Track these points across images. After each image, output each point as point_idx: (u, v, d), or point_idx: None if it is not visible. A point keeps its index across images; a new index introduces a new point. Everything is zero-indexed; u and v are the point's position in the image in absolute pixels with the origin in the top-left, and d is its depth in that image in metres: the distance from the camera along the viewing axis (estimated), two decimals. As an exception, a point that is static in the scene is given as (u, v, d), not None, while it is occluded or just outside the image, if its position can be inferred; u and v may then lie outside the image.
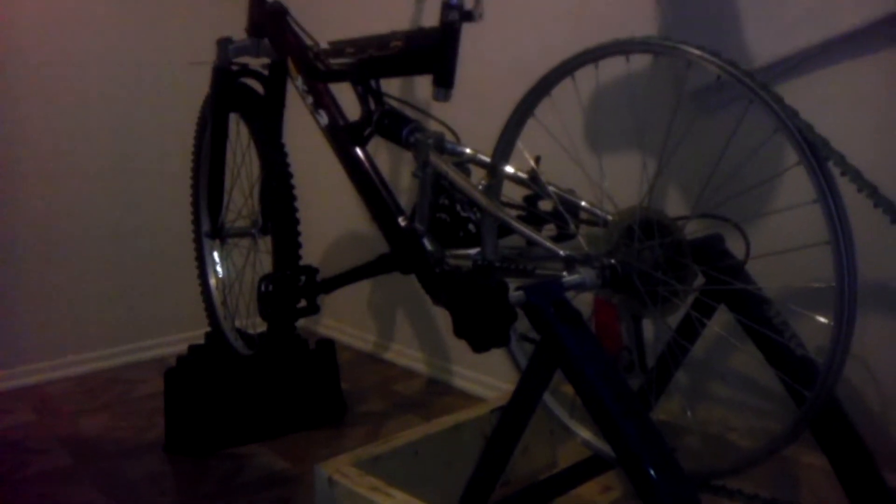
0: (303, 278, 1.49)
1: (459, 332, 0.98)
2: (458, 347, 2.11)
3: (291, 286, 1.46)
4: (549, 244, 1.08)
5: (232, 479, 1.67)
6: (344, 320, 2.56)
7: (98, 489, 1.64)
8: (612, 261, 1.05)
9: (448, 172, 1.25)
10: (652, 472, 0.86)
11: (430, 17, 1.78)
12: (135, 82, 2.34)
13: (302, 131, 1.76)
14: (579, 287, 1.00)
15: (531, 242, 1.14)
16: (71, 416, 2.06)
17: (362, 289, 2.42)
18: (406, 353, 2.31)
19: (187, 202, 1.99)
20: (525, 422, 1.02)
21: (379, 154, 1.62)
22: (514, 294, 0.91)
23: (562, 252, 1.07)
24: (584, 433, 1.24)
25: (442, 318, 2.14)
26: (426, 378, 2.20)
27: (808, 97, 1.25)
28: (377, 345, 2.42)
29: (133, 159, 2.38)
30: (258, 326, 2.08)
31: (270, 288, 1.43)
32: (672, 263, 1.06)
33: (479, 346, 0.96)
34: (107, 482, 1.68)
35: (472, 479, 1.08)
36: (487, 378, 2.02)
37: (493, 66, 1.72)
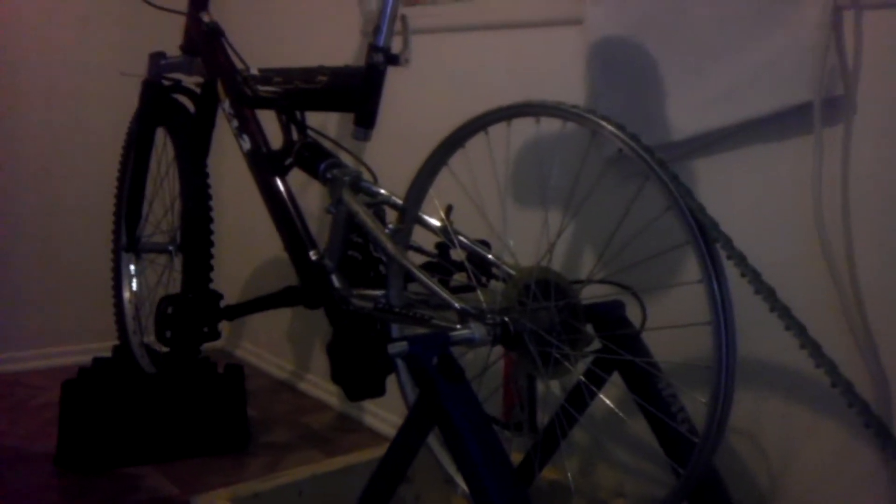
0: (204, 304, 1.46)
1: (335, 378, 0.96)
2: (371, 384, 2.09)
3: (192, 310, 1.43)
4: (445, 295, 1.07)
5: (116, 500, 1.62)
6: (262, 345, 2.53)
7: (-28, 501, 1.58)
8: (506, 318, 1.04)
9: (358, 212, 1.24)
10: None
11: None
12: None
13: (233, 154, 1.75)
14: (467, 342, 0.99)
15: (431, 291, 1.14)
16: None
17: (283, 316, 2.39)
18: (321, 385, 2.28)
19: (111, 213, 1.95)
20: (402, 471, 1.00)
21: (313, 185, 1.62)
22: (397, 344, 0.90)
23: (457, 304, 1.06)
24: (451, 468, 1.23)
25: (358, 353, 2.12)
26: (338, 412, 2.17)
27: (716, 177, 1.28)
28: (293, 374, 2.39)
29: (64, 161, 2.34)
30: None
31: (170, 310, 1.40)
32: (567, 327, 1.06)
33: (352, 394, 0.94)
34: (-18, 495, 1.62)
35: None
36: (397, 419, 1.99)
37: (418, 110, 1.72)
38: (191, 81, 1.72)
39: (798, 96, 1.17)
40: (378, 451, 1.45)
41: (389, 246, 1.17)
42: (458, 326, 1.04)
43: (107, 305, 2.02)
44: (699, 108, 1.28)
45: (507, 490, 0.86)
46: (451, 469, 1.25)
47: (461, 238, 1.24)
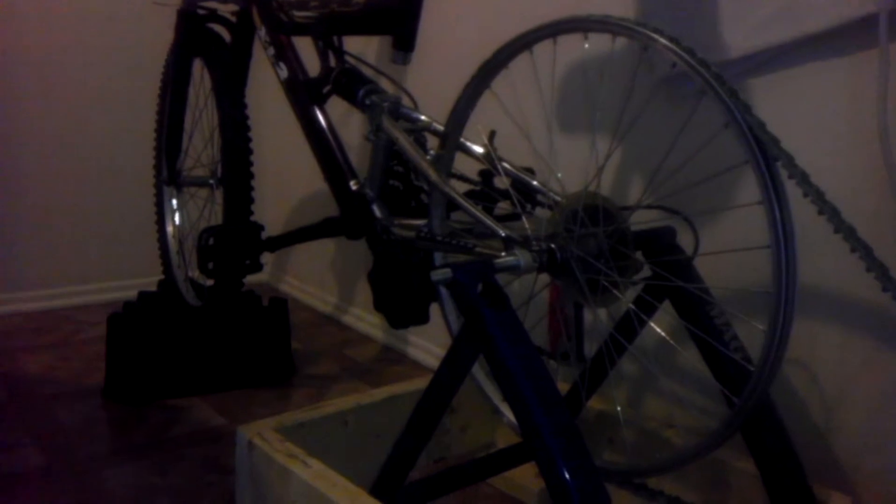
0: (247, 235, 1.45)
1: (378, 305, 0.94)
2: (414, 317, 2.08)
3: (234, 242, 1.42)
4: (490, 222, 1.04)
5: (164, 430, 1.64)
6: (306, 279, 2.53)
7: (26, 430, 1.61)
8: (552, 245, 1.01)
9: (398, 139, 1.21)
10: (563, 467, 0.83)
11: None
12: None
13: (272, 84, 1.72)
14: (512, 269, 0.96)
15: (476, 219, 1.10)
16: (13, 352, 2.03)
17: (326, 250, 2.38)
18: (364, 318, 2.28)
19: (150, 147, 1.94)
20: (447, 401, 0.99)
21: (354, 114, 1.57)
22: (440, 271, 0.87)
23: (501, 231, 1.03)
24: (497, 399, 1.21)
25: (400, 286, 2.11)
26: (381, 345, 2.17)
27: (773, 95, 1.21)
28: (336, 307, 2.39)
29: (107, 97, 2.34)
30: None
31: (211, 242, 1.39)
32: (616, 253, 1.03)
33: (395, 321, 0.92)
34: (37, 423, 1.65)
35: (391, 456, 1.05)
36: (441, 350, 1.99)
37: (458, 33, 1.66)
38: (225, 10, 1.68)
39: (863, 8, 1.10)
40: (422, 382, 1.44)
41: (431, 173, 1.13)
42: (503, 254, 1.01)
43: (145, 243, 2.04)
44: (756, 26, 1.21)
45: (555, 419, 0.84)
46: (497, 399, 1.23)
47: (505, 164, 1.20)
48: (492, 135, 1.20)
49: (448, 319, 1.22)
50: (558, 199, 1.11)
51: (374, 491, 1.06)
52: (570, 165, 1.15)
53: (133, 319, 1.78)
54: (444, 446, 1.47)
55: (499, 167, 1.18)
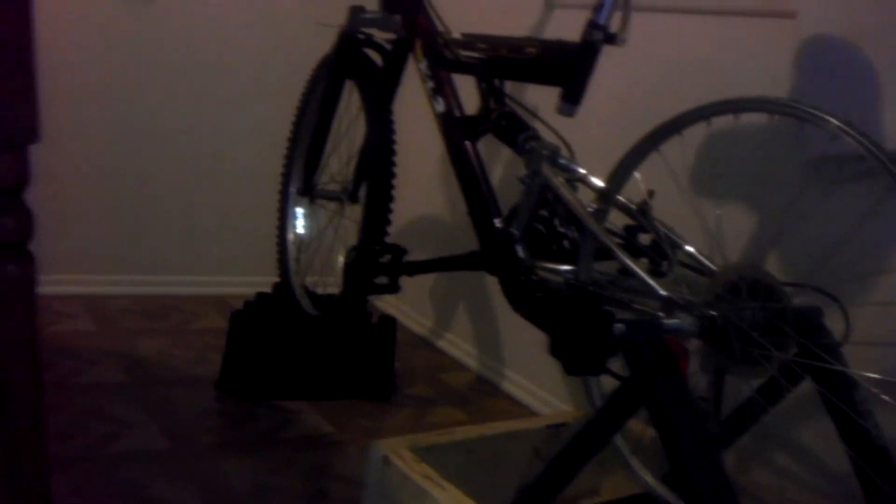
0: (389, 256, 1.51)
1: (556, 351, 0.99)
2: (514, 351, 2.12)
3: (375, 261, 1.48)
4: (650, 281, 1.08)
5: (275, 431, 1.71)
6: (403, 299, 2.58)
7: (147, 411, 1.69)
8: (713, 312, 1.04)
9: (559, 188, 1.26)
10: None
11: (557, 27, 1.79)
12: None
13: (409, 112, 1.79)
14: (677, 332, 1.00)
15: (628, 274, 1.14)
16: (129, 333, 2.12)
17: (427, 274, 2.43)
18: (459, 346, 2.32)
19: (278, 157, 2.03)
20: (595, 450, 1.03)
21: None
22: (616, 326, 0.92)
23: (662, 291, 1.07)
24: (646, 476, 1.24)
25: (503, 318, 2.15)
26: (475, 374, 2.22)
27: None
28: (431, 331, 2.44)
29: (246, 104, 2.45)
30: (326, 287, 2.13)
31: (353, 258, 1.45)
32: (769, 328, 1.05)
33: (573, 369, 0.96)
34: (157, 406, 1.73)
35: (525, 493, 1.09)
36: (538, 389, 2.02)
37: (620, 91, 1.70)
38: (381, 37, 1.75)
39: None
40: (535, 423, 1.49)
41: (593, 224, 1.18)
42: (661, 314, 1.05)
43: (254, 243, 2.12)
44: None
45: (716, 485, 0.87)
46: (627, 453, 1.26)
47: (659, 225, 1.24)
48: (651, 193, 1.24)
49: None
50: (713, 267, 1.14)
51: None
52: (726, 237, 1.18)
53: (254, 319, 1.85)
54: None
55: (656, 226, 1.22)
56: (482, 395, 2.09)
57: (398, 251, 1.52)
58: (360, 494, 1.49)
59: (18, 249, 0.88)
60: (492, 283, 2.16)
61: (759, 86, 1.12)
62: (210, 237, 2.51)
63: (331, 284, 2.25)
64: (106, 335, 2.08)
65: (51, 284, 2.26)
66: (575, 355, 0.95)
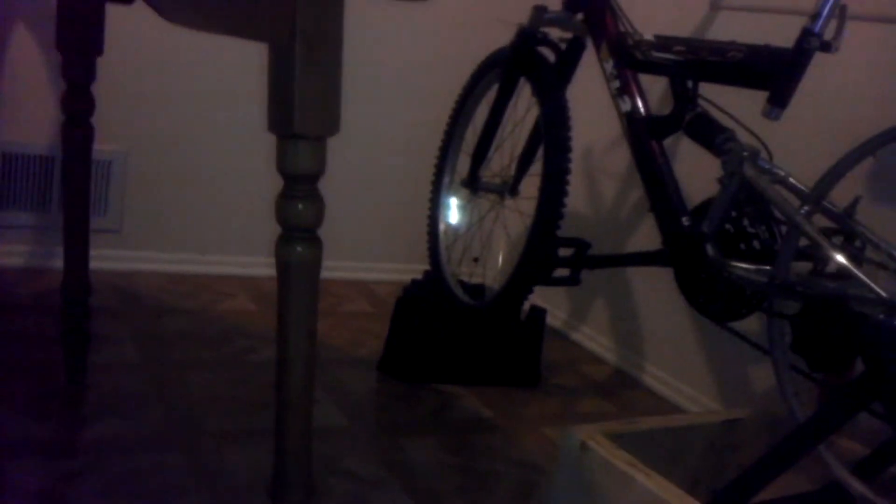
0: (571, 250, 1.57)
1: (800, 347, 1.03)
2: (655, 345, 2.15)
3: (555, 254, 1.54)
4: (872, 283, 1.11)
5: (441, 413, 1.78)
6: (538, 292, 2.64)
7: (323, 389, 1.78)
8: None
9: (766, 188, 1.29)
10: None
11: (721, 28, 1.81)
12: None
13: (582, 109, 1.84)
14: (909, 335, 1.03)
15: (845, 276, 1.18)
16: (286, 314, 2.22)
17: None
18: (595, 339, 2.37)
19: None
20: (813, 446, 1.06)
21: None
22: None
23: (884, 294, 1.10)
24: (839, 468, 1.27)
25: (644, 313, 2.19)
26: (613, 367, 2.26)
27: None
28: (566, 323, 2.49)
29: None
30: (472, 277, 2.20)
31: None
32: None
33: (820, 366, 1.01)
34: (329, 384, 1.81)
35: (743, 477, 1.13)
36: (681, 384, 2.06)
37: (822, 97, 1.70)
38: (556, 35, 1.81)
39: None
40: (712, 418, 1.52)
41: (809, 227, 1.21)
42: (882, 316, 1.08)
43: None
44: None
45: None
46: (840, 471, 1.28)
47: (864, 230, 1.27)
48: (856, 200, 1.27)
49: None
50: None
51: (713, 506, 1.15)
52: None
53: (417, 304, 1.93)
54: (720, 483, 1.55)
55: (861, 231, 1.24)
56: (624, 387, 2.14)
57: (582, 244, 1.57)
58: (536, 478, 1.56)
59: (311, 234, 0.96)
60: (631, 277, 2.22)
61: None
62: (354, 224, 2.60)
63: (477, 274, 2.33)
64: (268, 313, 2.18)
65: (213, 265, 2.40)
66: (825, 354, 0.99)
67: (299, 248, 0.95)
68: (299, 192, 0.93)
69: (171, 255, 2.39)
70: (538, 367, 2.07)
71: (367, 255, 2.61)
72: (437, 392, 1.89)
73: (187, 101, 2.33)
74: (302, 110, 0.89)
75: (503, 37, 1.88)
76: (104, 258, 2.26)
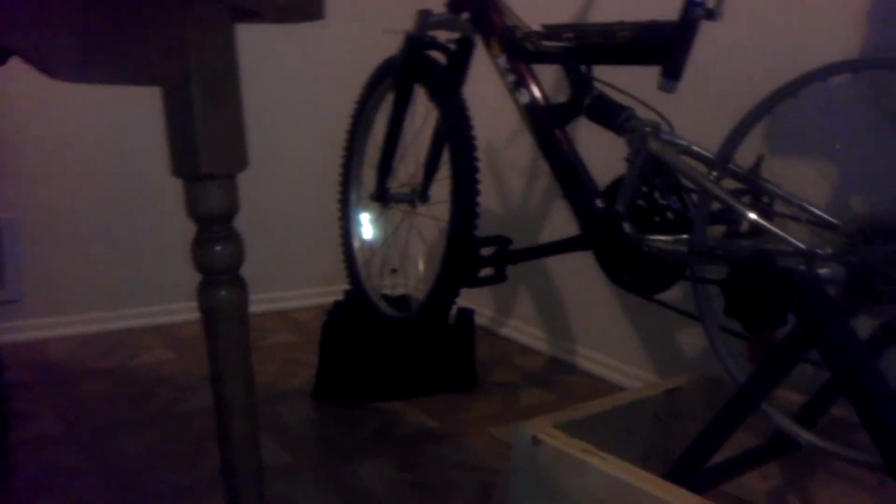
0: (493, 248, 1.56)
1: (734, 310, 1.05)
2: (585, 328, 2.18)
3: (478, 254, 1.54)
4: (788, 237, 1.14)
5: (387, 430, 1.75)
6: (463, 293, 2.63)
7: (261, 428, 1.73)
8: (853, 259, 1.11)
9: (673, 158, 1.32)
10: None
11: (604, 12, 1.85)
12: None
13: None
14: (831, 281, 1.06)
15: (759, 233, 1.21)
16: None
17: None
18: (524, 330, 2.38)
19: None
20: (764, 393, 1.08)
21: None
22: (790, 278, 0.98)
23: (803, 247, 1.13)
24: (782, 419, 1.30)
25: (570, 298, 2.21)
26: (547, 356, 2.28)
27: None
28: (492, 320, 2.50)
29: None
30: (395, 289, 2.18)
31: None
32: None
33: (755, 326, 1.03)
34: (264, 422, 1.76)
35: (693, 444, 1.15)
36: (615, 362, 2.09)
37: (709, 67, 1.75)
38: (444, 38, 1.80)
39: None
40: (654, 391, 1.54)
41: (714, 187, 1.24)
42: (803, 267, 1.11)
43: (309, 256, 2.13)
44: None
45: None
46: (782, 420, 1.31)
47: (770, 186, 1.31)
48: (759, 159, 1.30)
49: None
50: (833, 221, 1.21)
51: (668, 477, 1.17)
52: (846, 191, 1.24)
53: (343, 325, 1.90)
54: (671, 452, 1.57)
55: (769, 188, 1.28)
56: (561, 374, 2.15)
57: (503, 241, 1.57)
58: (491, 479, 1.55)
59: (233, 275, 0.93)
60: (551, 265, 2.24)
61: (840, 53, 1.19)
62: (265, 255, 2.54)
63: (401, 285, 2.31)
64: (188, 360, 2.11)
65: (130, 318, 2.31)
66: (756, 312, 1.01)
67: (223, 292, 0.92)
68: (215, 234, 0.90)
69: (79, 317, 2.29)
70: (474, 369, 2.06)
71: (283, 284, 2.56)
72: (378, 411, 1.86)
73: (78, 155, 2.24)
74: (207, 150, 0.86)
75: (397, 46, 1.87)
76: (8, 331, 2.15)
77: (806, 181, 1.50)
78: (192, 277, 0.93)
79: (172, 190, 0.92)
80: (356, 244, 2.10)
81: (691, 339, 1.86)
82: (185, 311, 2.38)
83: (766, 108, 1.22)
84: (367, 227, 2.10)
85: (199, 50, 0.84)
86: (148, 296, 2.36)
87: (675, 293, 1.65)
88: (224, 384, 0.94)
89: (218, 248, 0.89)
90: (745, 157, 1.31)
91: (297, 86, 2.51)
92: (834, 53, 1.35)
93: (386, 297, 2.05)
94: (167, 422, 1.75)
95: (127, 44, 0.81)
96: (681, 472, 1.18)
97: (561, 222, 2.17)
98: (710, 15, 1.30)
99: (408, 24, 1.78)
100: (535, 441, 1.30)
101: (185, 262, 0.90)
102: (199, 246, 0.90)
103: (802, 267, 1.12)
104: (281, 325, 2.41)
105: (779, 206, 1.32)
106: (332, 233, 2.16)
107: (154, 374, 2.02)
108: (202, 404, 1.85)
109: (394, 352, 1.94)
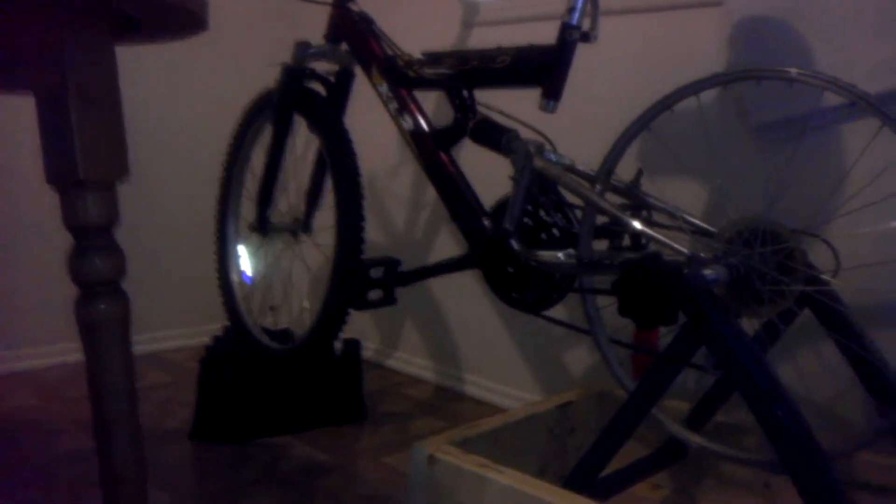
0: (381, 270, 1.54)
1: (627, 310, 1.06)
2: (469, 355, 2.18)
3: (367, 277, 1.52)
4: (671, 242, 1.18)
5: (274, 467, 1.69)
6: (346, 326, 2.59)
7: (140, 471, 1.63)
8: (733, 261, 1.15)
9: (560, 174, 1.34)
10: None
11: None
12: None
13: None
14: (715, 281, 1.10)
15: (647, 240, 1.25)
16: (80, 400, 2.03)
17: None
18: (410, 361, 2.36)
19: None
20: (657, 397, 1.11)
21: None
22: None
23: (685, 250, 1.17)
24: (672, 424, 1.34)
25: (454, 326, 2.21)
26: (434, 385, 2.26)
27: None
28: (378, 352, 2.47)
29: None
30: (277, 322, 2.12)
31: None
32: (781, 267, 1.17)
33: (648, 323, 1.04)
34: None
35: (589, 454, 1.16)
36: (501, 386, 2.10)
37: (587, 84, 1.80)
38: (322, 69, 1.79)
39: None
40: (546, 406, 1.55)
41: (599, 200, 1.27)
42: (686, 270, 1.15)
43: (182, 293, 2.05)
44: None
45: (789, 408, 0.97)
46: (672, 424, 1.34)
47: (651, 199, 1.35)
48: (639, 173, 1.35)
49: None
50: (710, 228, 1.26)
51: (566, 486, 1.17)
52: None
53: (224, 361, 1.82)
54: (567, 467, 1.58)
55: (648, 201, 1.33)
56: (448, 401, 2.14)
57: (392, 262, 1.56)
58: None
59: (114, 287, 0.87)
60: (435, 294, 2.24)
61: (698, 72, 1.26)
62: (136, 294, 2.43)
63: (283, 321, 2.25)
64: (57, 405, 1.98)
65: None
66: (650, 309, 1.03)
67: (103, 305, 0.86)
68: (94, 245, 0.85)
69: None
70: (362, 400, 2.02)
71: (154, 324, 2.45)
72: (263, 447, 1.79)
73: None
74: (86, 154, 0.81)
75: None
76: None
77: (683, 192, 1.56)
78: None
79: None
80: (234, 278, 2.04)
81: (575, 358, 1.90)
82: (49, 355, 2.24)
83: (642, 123, 1.26)
84: (245, 259, 2.04)
85: (76, 56, 0.80)
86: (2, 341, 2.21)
87: (562, 311, 1.68)
88: (103, 402, 0.87)
89: (97, 260, 0.84)
90: (625, 171, 1.36)
91: (173, 119, 2.44)
92: (707, 69, 1.42)
93: (267, 331, 1.99)
94: (32, 469, 1.63)
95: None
96: (576, 482, 1.18)
97: (445, 250, 2.17)
98: (586, 37, 1.34)
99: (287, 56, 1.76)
100: (432, 460, 1.28)
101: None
102: (77, 258, 0.84)
103: (686, 270, 1.16)
104: (154, 367, 2.30)
105: (658, 217, 1.37)
106: (205, 269, 2.09)
107: (18, 421, 1.88)
108: (71, 446, 1.73)
109: (278, 386, 1.88)
